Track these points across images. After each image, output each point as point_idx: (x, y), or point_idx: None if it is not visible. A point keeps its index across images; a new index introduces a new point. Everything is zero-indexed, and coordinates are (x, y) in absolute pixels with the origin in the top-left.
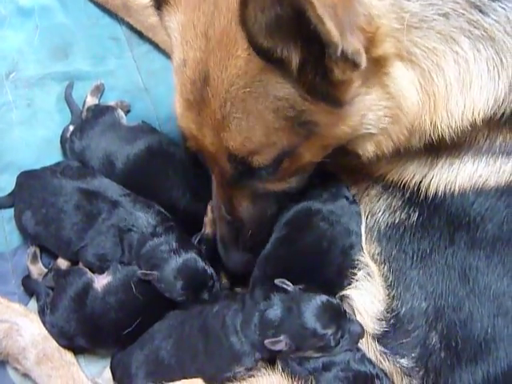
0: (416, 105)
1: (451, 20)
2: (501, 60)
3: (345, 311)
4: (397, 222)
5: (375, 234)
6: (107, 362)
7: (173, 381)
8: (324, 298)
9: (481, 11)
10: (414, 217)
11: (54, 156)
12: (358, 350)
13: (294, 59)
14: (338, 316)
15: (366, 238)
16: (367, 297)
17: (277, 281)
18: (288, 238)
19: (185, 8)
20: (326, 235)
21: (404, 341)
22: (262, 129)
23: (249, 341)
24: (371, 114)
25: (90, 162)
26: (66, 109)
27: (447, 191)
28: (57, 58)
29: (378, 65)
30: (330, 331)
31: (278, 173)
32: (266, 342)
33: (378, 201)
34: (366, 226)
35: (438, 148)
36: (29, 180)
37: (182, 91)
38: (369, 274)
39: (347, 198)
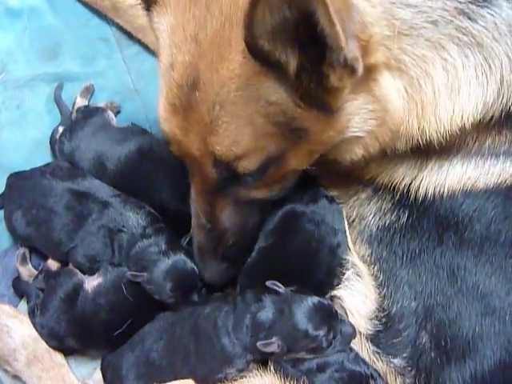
0: (402, 110)
1: (440, 27)
2: (489, 66)
3: (336, 312)
4: (387, 224)
5: (366, 236)
6: (97, 364)
7: (164, 382)
8: (315, 299)
9: (469, 18)
10: (404, 218)
11: (44, 157)
12: (352, 350)
13: (292, 64)
14: (330, 317)
15: (355, 241)
16: (358, 297)
17: (268, 283)
18: (276, 245)
19: (174, 10)
20: (313, 236)
21: (395, 340)
22: (251, 133)
23: (240, 343)
24: (357, 118)
25: (79, 164)
26: (55, 110)
27: (436, 193)
28: (46, 58)
29: (367, 72)
30: (321, 332)
31: (264, 179)
32: (259, 344)
33: (368, 204)
34: (356, 230)
35: (427, 151)
36: (18, 181)
37: (167, 96)
38: (358, 274)
39: (327, 198)
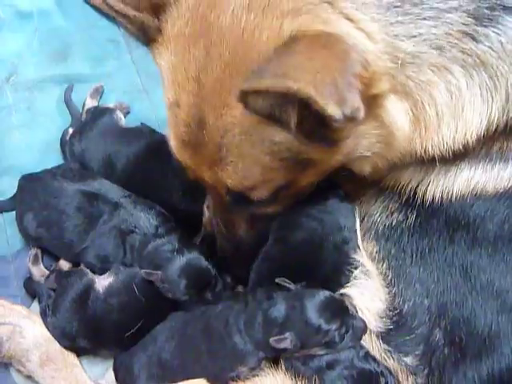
0: (408, 131)
1: (444, 52)
2: (494, 84)
3: (347, 306)
4: (394, 223)
5: (373, 233)
6: (110, 364)
7: (176, 382)
8: (326, 293)
9: (473, 39)
10: (412, 219)
11: (55, 159)
12: (362, 347)
13: (293, 119)
14: (342, 311)
15: (364, 237)
16: (367, 295)
17: (278, 280)
18: (280, 242)
19: (174, 48)
20: (316, 232)
21: (408, 338)
22: (259, 170)
23: (252, 340)
24: (364, 141)
25: (89, 164)
26: (65, 111)
27: (444, 197)
28: (56, 60)
29: (372, 100)
30: (334, 326)
31: (276, 201)
32: (272, 340)
33: (374, 202)
34: (365, 226)
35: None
36: (30, 183)
37: (176, 132)
38: (366, 274)
39: (339, 195)
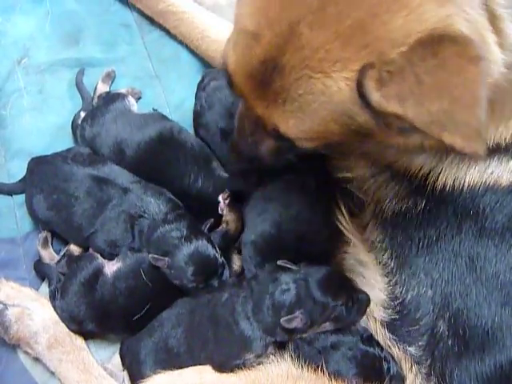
0: None
1: None
2: None
3: (350, 280)
4: (403, 209)
5: (379, 221)
6: (116, 348)
7: (182, 368)
8: (329, 269)
9: None
10: (421, 205)
11: (65, 142)
12: (366, 330)
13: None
14: (346, 285)
15: (367, 225)
16: (366, 284)
17: (279, 262)
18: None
19: None
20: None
21: (412, 328)
22: (320, 130)
23: (261, 325)
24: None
25: (100, 149)
26: (77, 95)
27: (456, 186)
28: (68, 44)
29: None
30: (341, 301)
31: (316, 151)
32: (283, 320)
33: (385, 188)
34: (370, 214)
35: None
36: (40, 165)
37: (243, 62)
38: (361, 264)
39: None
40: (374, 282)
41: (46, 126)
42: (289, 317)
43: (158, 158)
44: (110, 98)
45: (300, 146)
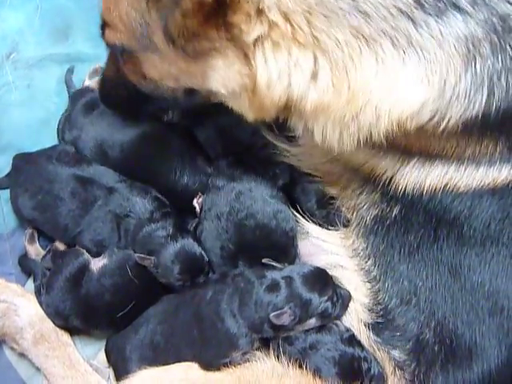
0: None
1: (372, 20)
2: (432, 70)
3: (332, 277)
4: (380, 214)
5: (362, 229)
6: (102, 345)
7: (167, 364)
8: (312, 265)
9: (412, 21)
10: (396, 210)
11: (53, 138)
12: (348, 330)
13: None
14: (330, 281)
15: (351, 235)
16: (348, 286)
17: (264, 260)
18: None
19: None
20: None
21: (396, 334)
22: (119, 11)
23: (247, 322)
24: (216, 76)
25: (83, 151)
26: (65, 91)
27: (416, 189)
28: (57, 39)
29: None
30: (326, 297)
31: (123, 62)
32: (272, 315)
33: (359, 195)
34: (353, 223)
35: (410, 150)
36: (24, 164)
37: None
38: (343, 269)
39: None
40: (356, 286)
41: (33, 121)
42: (277, 312)
43: (142, 157)
44: (77, 96)
45: (106, 39)
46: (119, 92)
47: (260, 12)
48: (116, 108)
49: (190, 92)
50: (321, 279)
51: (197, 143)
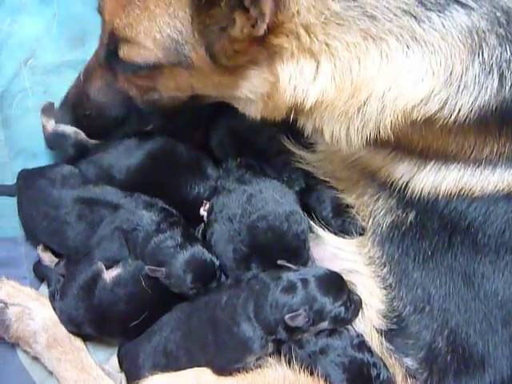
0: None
1: (378, 22)
2: (436, 61)
3: (346, 281)
4: (396, 220)
5: (377, 237)
6: (114, 350)
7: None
8: (328, 269)
9: (414, 18)
10: (412, 216)
11: None
12: (358, 336)
13: None
14: (345, 286)
15: (367, 243)
16: (364, 293)
17: (280, 262)
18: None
19: None
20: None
21: (409, 341)
22: (146, 28)
23: (262, 325)
24: (247, 84)
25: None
26: None
27: (432, 193)
28: (74, 45)
29: (272, 51)
30: (341, 301)
31: (137, 78)
32: (287, 317)
33: (376, 201)
34: (369, 230)
35: (427, 153)
36: (29, 189)
37: None
38: (360, 274)
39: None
40: (372, 293)
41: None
42: (293, 314)
43: (152, 177)
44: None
45: (122, 54)
46: (106, 113)
47: (294, 30)
48: (102, 132)
49: (195, 97)
50: (336, 283)
51: (204, 152)
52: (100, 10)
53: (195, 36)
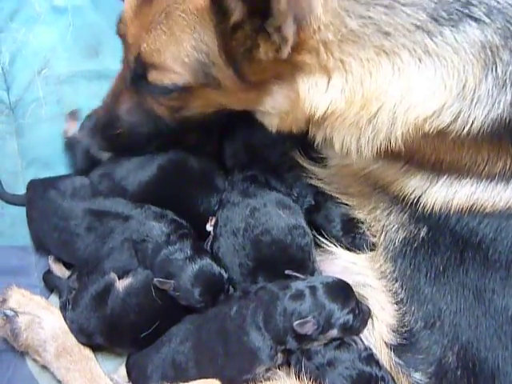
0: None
1: (392, 38)
2: (448, 74)
3: (353, 290)
4: (408, 236)
5: (390, 253)
6: (123, 360)
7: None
8: (336, 277)
9: (427, 33)
10: (424, 232)
11: None
12: (366, 349)
13: (235, 15)
14: (352, 294)
15: (379, 258)
16: (375, 306)
17: (287, 271)
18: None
19: None
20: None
21: (420, 357)
22: (174, 54)
23: (272, 334)
24: (271, 100)
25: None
26: (94, 106)
27: (443, 209)
28: (88, 56)
29: (295, 67)
30: (349, 309)
31: (166, 99)
32: (295, 324)
33: (387, 215)
34: (381, 245)
35: (440, 167)
36: (39, 201)
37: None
38: (371, 289)
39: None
40: (383, 307)
41: (61, 136)
42: (301, 320)
43: (164, 188)
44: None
45: (151, 79)
46: (139, 131)
47: (315, 46)
48: (135, 149)
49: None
50: (344, 290)
51: (216, 164)
52: (120, 33)
53: (222, 57)
